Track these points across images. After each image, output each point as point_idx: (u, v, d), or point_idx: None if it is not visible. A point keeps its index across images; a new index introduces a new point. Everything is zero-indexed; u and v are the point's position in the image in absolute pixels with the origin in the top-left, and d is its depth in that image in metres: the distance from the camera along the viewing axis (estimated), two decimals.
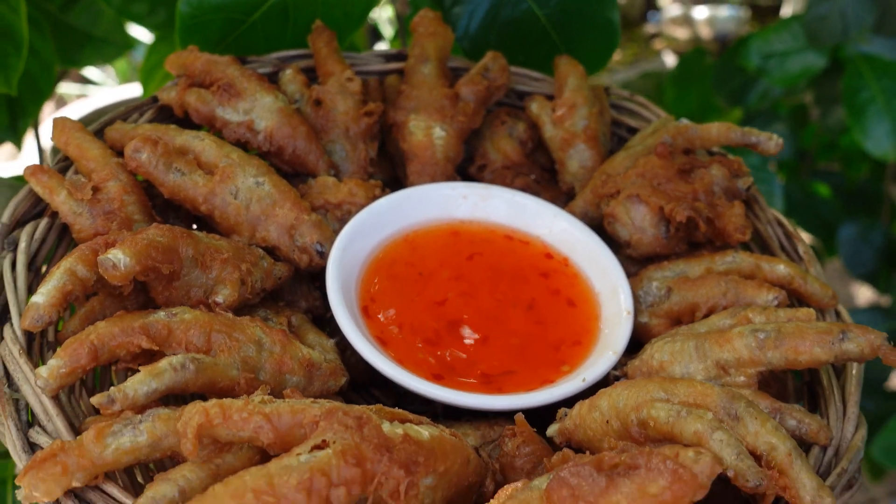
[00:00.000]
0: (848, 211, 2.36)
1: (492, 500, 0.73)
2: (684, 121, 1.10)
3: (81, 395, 0.88)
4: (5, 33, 1.14)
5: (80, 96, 3.01)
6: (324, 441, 0.70)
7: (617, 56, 4.19)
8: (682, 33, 4.39)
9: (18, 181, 1.23)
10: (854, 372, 0.91)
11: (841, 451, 0.85)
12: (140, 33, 2.01)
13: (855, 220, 2.30)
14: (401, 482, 0.70)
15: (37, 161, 1.81)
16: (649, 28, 4.79)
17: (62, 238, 0.96)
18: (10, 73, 1.17)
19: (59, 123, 0.98)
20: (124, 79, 3.37)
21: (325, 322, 1.02)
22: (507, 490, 0.73)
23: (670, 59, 4.23)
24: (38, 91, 1.35)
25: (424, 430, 0.76)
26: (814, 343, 0.84)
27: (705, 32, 4.27)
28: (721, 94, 2.22)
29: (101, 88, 3.09)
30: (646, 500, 0.65)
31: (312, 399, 0.76)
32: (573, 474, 0.68)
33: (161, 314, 0.82)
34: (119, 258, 0.81)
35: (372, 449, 0.70)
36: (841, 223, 2.29)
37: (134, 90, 2.56)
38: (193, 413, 0.71)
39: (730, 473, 0.74)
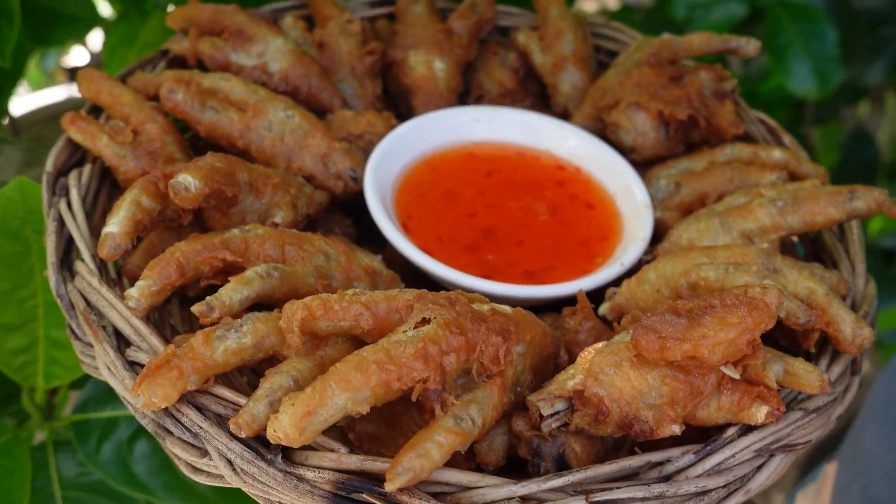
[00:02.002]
0: None
1: (578, 359, 0.79)
2: (666, 35, 1.18)
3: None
4: None
5: None
6: (424, 319, 0.75)
7: None
8: (589, 6, 4.52)
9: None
10: (855, 234, 1.01)
11: (857, 299, 0.95)
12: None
13: None
14: (499, 348, 0.76)
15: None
16: None
17: (102, 184, 0.97)
18: (3, 45, 1.17)
19: (87, 74, 1.00)
20: (37, 86, 3.28)
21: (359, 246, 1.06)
22: (591, 350, 0.79)
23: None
24: (12, 71, 1.35)
25: (505, 307, 0.82)
26: (827, 204, 0.93)
27: (613, 2, 4.40)
28: None
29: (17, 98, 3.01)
30: (729, 329, 0.73)
31: (399, 288, 0.81)
32: (657, 320, 0.75)
33: (235, 231, 0.85)
34: (189, 181, 0.84)
35: (469, 320, 0.76)
36: None
37: (54, 94, 2.52)
38: (296, 308, 0.75)
39: (782, 314, 0.83)
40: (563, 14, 1.22)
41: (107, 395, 1.18)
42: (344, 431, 0.82)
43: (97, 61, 2.70)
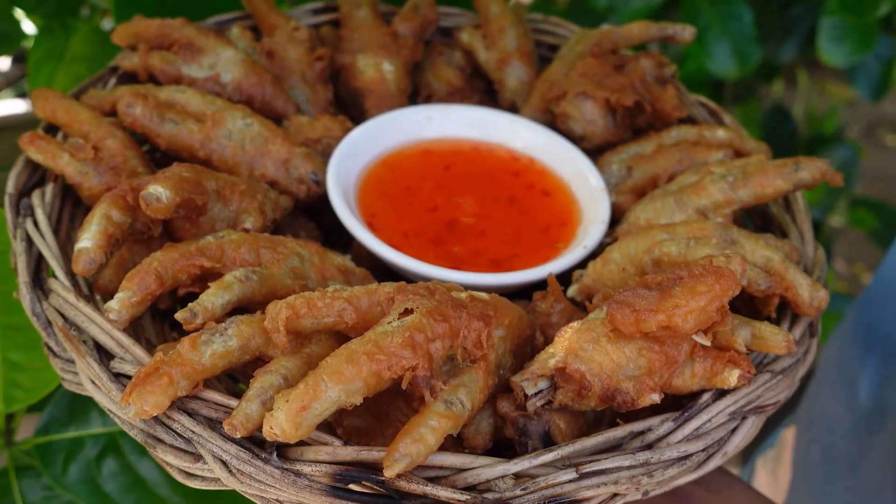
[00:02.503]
0: None
1: (556, 337, 0.82)
2: (605, 26, 1.22)
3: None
4: None
5: None
6: (406, 310, 0.77)
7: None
8: None
9: None
10: (801, 204, 1.06)
11: (809, 266, 1.00)
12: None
13: None
14: (481, 333, 0.79)
15: None
16: None
17: (64, 202, 0.97)
18: None
19: (42, 94, 0.99)
20: None
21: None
22: (567, 329, 0.82)
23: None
24: None
25: (482, 293, 0.84)
26: (775, 176, 0.98)
27: None
28: None
29: None
30: (699, 297, 0.76)
31: (378, 283, 0.82)
32: (629, 295, 0.79)
33: (210, 238, 0.86)
34: (160, 192, 0.84)
35: (450, 308, 0.78)
36: None
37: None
38: (280, 308, 0.77)
39: (744, 282, 0.87)
40: (504, 11, 1.26)
41: (69, 416, 1.17)
42: (332, 427, 0.84)
43: (8, 79, 2.64)
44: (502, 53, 1.24)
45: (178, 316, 0.78)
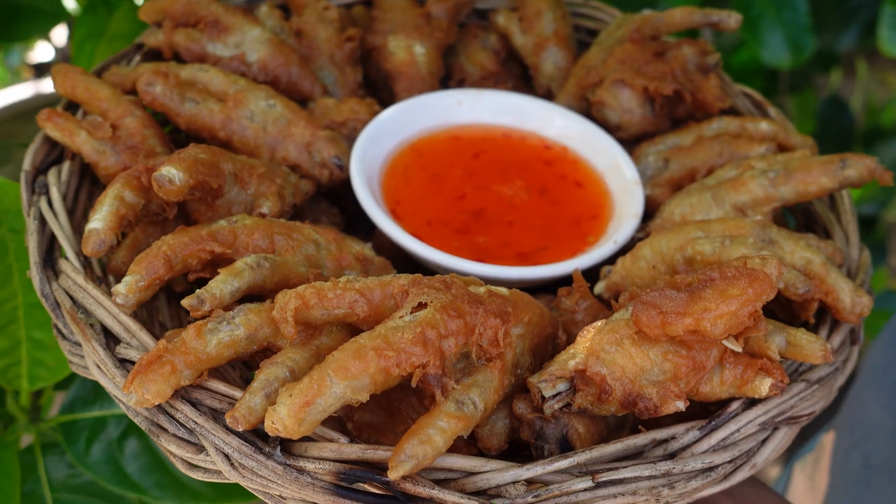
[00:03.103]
0: None
1: (578, 338, 0.78)
2: (647, 11, 1.17)
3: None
4: None
5: None
6: (420, 304, 0.74)
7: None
8: None
9: None
10: (847, 204, 1.00)
11: (853, 270, 0.94)
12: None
13: None
14: (498, 330, 0.75)
15: None
16: None
17: (82, 180, 0.95)
18: None
19: (62, 70, 0.97)
20: (2, 84, 3.22)
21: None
22: (590, 329, 0.78)
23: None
24: None
25: (502, 288, 0.80)
26: (820, 173, 0.92)
27: None
28: None
29: None
30: (731, 301, 0.72)
31: (393, 274, 0.79)
32: (656, 296, 0.74)
33: (223, 222, 0.83)
34: (173, 173, 0.82)
35: (466, 303, 0.74)
36: None
37: (20, 92, 2.47)
38: (289, 298, 0.74)
39: (780, 285, 0.82)
40: None
41: (94, 395, 1.16)
42: (342, 422, 0.81)
43: (64, 56, 2.65)
44: (539, 38, 1.19)
45: (185, 302, 0.76)
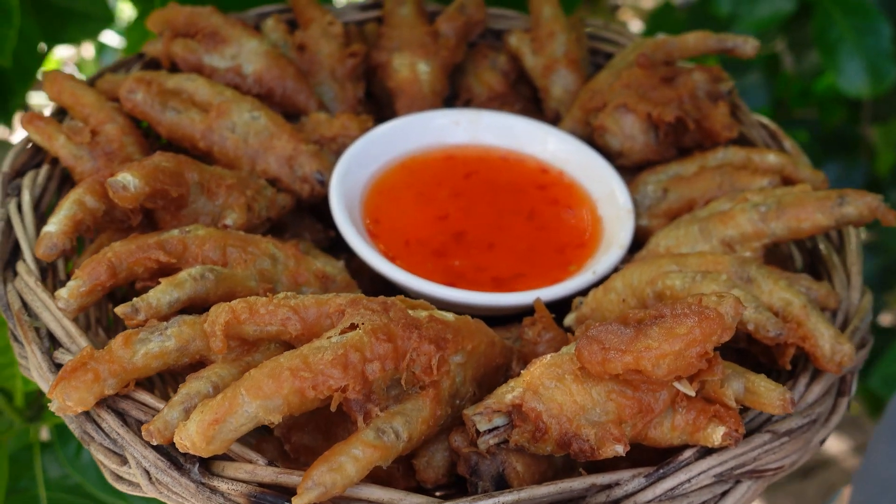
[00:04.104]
0: (827, 154, 2.39)
1: (523, 371, 0.73)
2: (661, 35, 1.13)
3: (97, 332, 0.88)
4: None
5: (48, 105, 2.97)
6: (352, 325, 0.71)
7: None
8: (648, 3, 4.43)
9: None
10: (853, 244, 0.93)
11: (850, 314, 0.87)
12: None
13: (836, 163, 2.33)
14: (432, 357, 0.71)
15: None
16: None
17: (62, 186, 0.96)
18: (3, 43, 1.17)
19: (51, 75, 0.98)
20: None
21: (330, 253, 1.03)
22: (536, 361, 0.74)
23: (637, 28, 4.27)
24: (24, 70, 1.35)
25: (448, 314, 0.77)
26: (814, 209, 0.86)
27: None
28: None
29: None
30: (675, 340, 0.67)
31: (335, 293, 0.76)
32: (602, 331, 0.70)
33: (175, 231, 0.82)
34: (129, 180, 0.81)
35: (401, 327, 0.71)
36: (822, 167, 2.32)
37: None
38: (220, 311, 0.72)
39: (750, 327, 0.76)
40: (556, 15, 1.17)
41: None
42: (280, 442, 0.78)
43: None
44: (549, 59, 1.16)
45: (118, 310, 0.74)
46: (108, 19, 1.58)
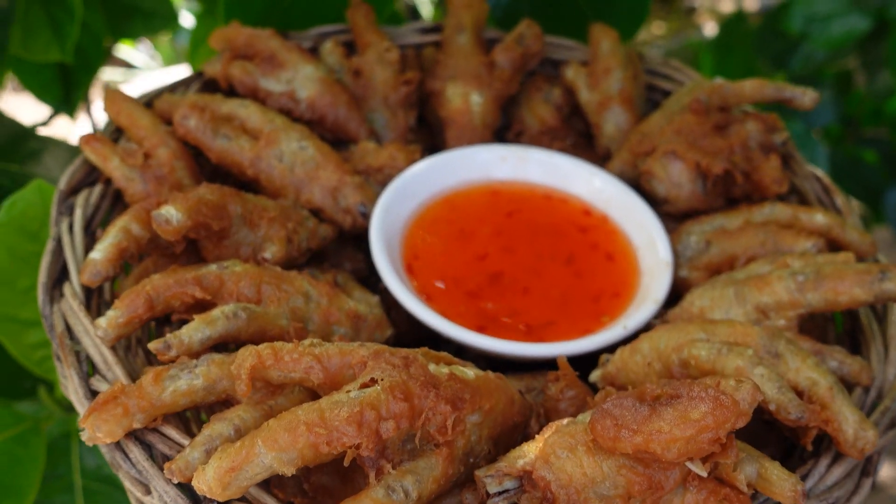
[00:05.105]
0: (895, 177, 2.33)
1: (537, 436, 0.74)
2: (718, 79, 1.11)
3: (138, 353, 0.91)
4: (60, 2, 1.18)
5: (123, 82, 3.05)
6: (372, 379, 0.72)
7: (658, 30, 4.16)
8: (726, 6, 4.35)
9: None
10: (895, 315, 0.91)
11: (884, 391, 0.86)
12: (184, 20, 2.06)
13: None
14: (447, 417, 0.72)
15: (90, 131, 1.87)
16: (691, 0, 4.71)
17: (115, 204, 0.99)
18: (65, 41, 1.22)
19: (111, 95, 1.01)
20: (168, 62, 3.40)
21: (367, 282, 1.04)
22: (552, 426, 0.75)
23: (712, 31, 4.20)
24: (88, 63, 1.40)
25: (469, 371, 0.78)
26: (853, 283, 0.85)
27: (750, 4, 4.23)
28: (763, 58, 2.21)
29: (145, 72, 3.12)
30: (687, 426, 0.67)
31: (360, 343, 0.78)
32: (616, 405, 0.70)
33: (213, 267, 0.85)
34: (172, 213, 0.84)
35: (419, 385, 0.72)
36: (888, 189, 2.25)
37: (179, 72, 2.61)
38: (247, 355, 0.74)
39: (771, 407, 0.76)
40: (614, 50, 1.16)
41: None
42: (300, 480, 0.80)
43: None
44: (603, 96, 1.15)
45: (152, 346, 0.77)
46: (171, 18, 1.62)
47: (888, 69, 2.04)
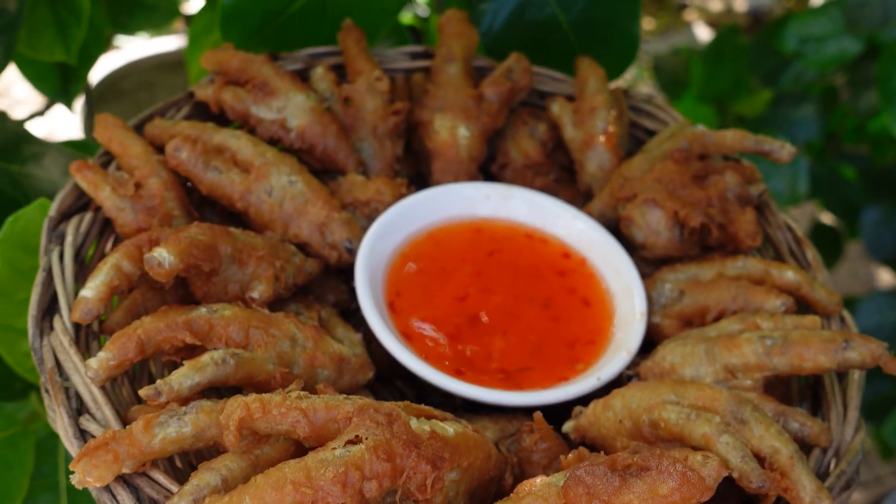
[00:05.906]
0: (872, 194, 2.38)
1: (511, 495, 0.78)
2: (700, 127, 1.14)
3: (124, 383, 0.93)
4: (67, 3, 1.18)
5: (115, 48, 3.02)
6: (356, 436, 0.75)
7: (648, 25, 4.18)
8: (715, 4, 4.38)
9: (68, 146, 1.29)
10: (856, 377, 0.96)
11: (841, 452, 0.90)
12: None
13: (879, 204, 2.32)
14: (427, 476, 0.76)
15: (82, 127, 1.87)
16: None
17: (104, 230, 1.00)
18: (70, 43, 1.22)
19: (103, 120, 1.02)
20: (155, 33, 3.34)
21: (351, 314, 1.07)
22: (525, 486, 0.78)
23: (701, 31, 4.22)
24: (89, 56, 1.40)
25: (449, 427, 0.81)
26: (818, 351, 0.88)
27: (739, 4, 4.27)
28: (755, 75, 2.25)
29: (134, 41, 3.08)
30: (656, 501, 0.71)
31: (345, 395, 0.81)
32: (588, 473, 0.73)
33: (203, 311, 0.87)
34: (164, 256, 0.86)
35: (401, 445, 0.75)
36: (865, 206, 2.31)
37: (166, 43, 2.59)
38: (235, 407, 0.76)
39: (735, 475, 0.80)
40: (600, 89, 1.19)
41: None
42: None
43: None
44: (588, 135, 1.18)
45: (142, 393, 0.79)
46: (174, 13, 1.62)
47: (876, 89, 2.08)
